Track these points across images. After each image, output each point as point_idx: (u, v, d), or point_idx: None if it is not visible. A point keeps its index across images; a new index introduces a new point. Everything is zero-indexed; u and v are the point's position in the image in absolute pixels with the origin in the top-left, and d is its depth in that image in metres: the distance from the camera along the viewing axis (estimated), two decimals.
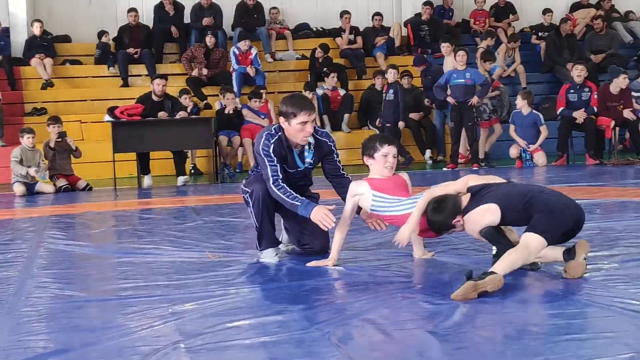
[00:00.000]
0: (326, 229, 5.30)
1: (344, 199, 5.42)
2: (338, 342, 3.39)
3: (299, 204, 5.26)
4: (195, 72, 15.20)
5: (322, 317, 3.82)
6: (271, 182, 5.31)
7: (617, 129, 13.39)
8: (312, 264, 5.24)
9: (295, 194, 5.32)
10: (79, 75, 15.99)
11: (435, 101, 14.13)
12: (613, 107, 13.01)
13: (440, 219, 4.87)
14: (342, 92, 15.29)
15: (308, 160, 5.52)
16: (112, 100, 14.35)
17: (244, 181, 5.68)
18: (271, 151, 5.33)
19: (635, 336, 3.33)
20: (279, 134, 5.39)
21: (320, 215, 5.17)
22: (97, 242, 6.76)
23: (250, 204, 5.48)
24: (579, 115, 12.83)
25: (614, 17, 18.17)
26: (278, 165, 5.35)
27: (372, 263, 5.24)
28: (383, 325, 3.67)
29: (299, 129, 5.31)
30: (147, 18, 16.60)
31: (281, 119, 5.38)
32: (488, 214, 4.75)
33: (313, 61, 15.94)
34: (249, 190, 5.48)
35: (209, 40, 15.28)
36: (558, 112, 13.47)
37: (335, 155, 5.63)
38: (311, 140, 5.45)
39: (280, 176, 5.33)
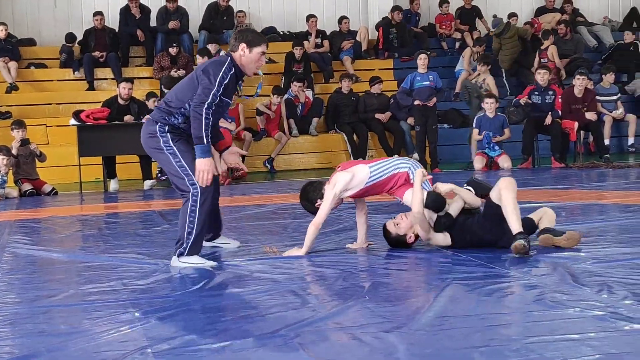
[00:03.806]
0: (202, 184, 5.35)
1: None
2: (305, 346, 3.39)
3: (206, 143, 5.32)
4: (173, 73, 15.15)
5: (289, 321, 3.81)
6: (206, 105, 5.31)
7: (582, 132, 13.53)
8: (288, 253, 5.66)
9: (209, 134, 5.35)
10: (44, 79, 15.86)
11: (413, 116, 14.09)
12: (577, 110, 13.13)
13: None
14: (309, 93, 15.28)
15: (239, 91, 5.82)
16: (78, 104, 14.26)
17: (176, 155, 5.48)
18: (226, 81, 5.40)
19: (601, 338, 3.36)
20: (233, 65, 5.50)
21: (204, 167, 5.32)
22: (63, 247, 6.71)
23: (197, 205, 5.37)
24: (522, 101, 13.01)
25: (578, 21, 18.35)
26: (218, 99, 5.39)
27: (339, 265, 5.24)
28: (350, 328, 3.68)
29: (257, 58, 5.55)
30: (112, 21, 16.51)
31: (242, 46, 5.50)
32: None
33: (289, 62, 15.89)
34: (199, 190, 5.37)
35: (173, 51, 15.25)
36: (512, 102, 13.83)
37: None
38: (260, 72, 5.77)
39: (214, 108, 5.36)
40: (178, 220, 5.52)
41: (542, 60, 16.08)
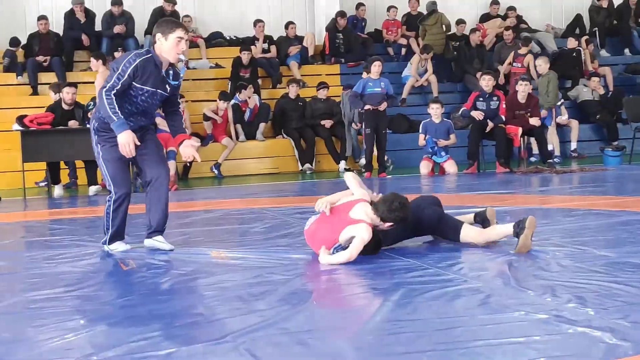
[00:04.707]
0: (127, 156, 5.84)
1: (171, 131, 6.26)
2: (253, 352, 3.38)
3: (117, 120, 5.74)
4: None
5: (236, 327, 3.80)
6: (107, 88, 5.73)
7: (526, 137, 13.68)
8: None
9: (117, 110, 5.72)
10: None
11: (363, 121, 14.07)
12: (521, 116, 13.27)
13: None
14: (256, 98, 15.26)
15: (173, 83, 6.00)
16: (21, 109, 14.06)
17: (100, 160, 6.02)
18: (130, 69, 5.73)
19: (545, 341, 3.40)
20: (150, 54, 5.85)
21: (123, 141, 5.70)
22: (6, 253, 6.61)
23: (111, 208, 6.04)
24: (477, 115, 13.07)
25: (522, 28, 18.58)
26: (121, 85, 5.73)
27: (286, 271, 5.24)
28: (298, 333, 3.68)
29: (174, 44, 5.81)
30: (57, 25, 16.32)
31: (158, 36, 5.84)
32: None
33: (236, 67, 15.84)
34: (114, 196, 5.99)
35: (118, 55, 15.13)
36: (459, 112, 13.90)
37: (178, 92, 6.24)
38: (183, 57, 5.98)
39: (115, 91, 5.73)
40: None
41: (515, 65, 16.32)
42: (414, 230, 5.95)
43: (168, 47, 5.81)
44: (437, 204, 6.15)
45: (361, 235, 5.40)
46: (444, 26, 17.35)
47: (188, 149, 6.11)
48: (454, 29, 18.16)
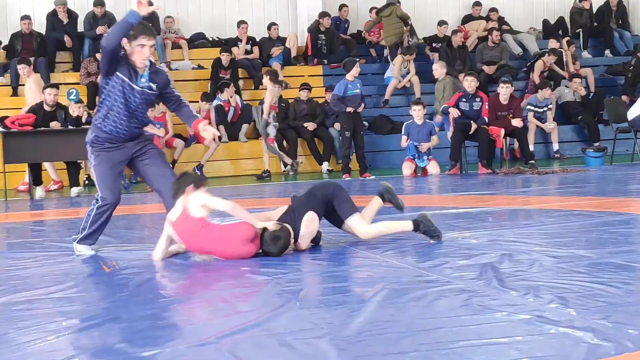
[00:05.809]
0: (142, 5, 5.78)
1: (186, 122, 6.39)
2: (236, 353, 3.38)
3: (127, 17, 5.78)
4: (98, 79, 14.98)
5: (219, 328, 3.80)
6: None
7: (507, 138, 13.73)
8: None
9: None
10: None
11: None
12: (503, 117, 13.32)
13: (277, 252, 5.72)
14: (237, 98, 15.25)
15: (144, 81, 6.03)
16: (3, 110, 14.01)
17: (93, 168, 6.20)
18: (108, 58, 5.92)
19: (527, 341, 3.41)
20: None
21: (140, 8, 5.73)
22: None
23: (93, 212, 6.12)
24: (453, 112, 13.12)
25: (504, 29, 18.65)
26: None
27: (269, 271, 5.24)
28: (281, 334, 3.67)
29: (136, 50, 5.94)
30: (39, 26, 16.26)
31: (124, 41, 5.98)
32: (314, 223, 5.87)
33: (216, 69, 15.83)
34: (100, 203, 6.09)
35: (99, 56, 15.09)
36: (441, 108, 13.96)
37: (172, 87, 6.29)
38: (147, 63, 5.99)
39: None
40: None
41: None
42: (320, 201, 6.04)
43: (132, 52, 5.98)
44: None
45: (205, 199, 5.91)
46: (398, 18, 17.29)
47: (207, 130, 6.17)
48: (435, 31, 18.20)
